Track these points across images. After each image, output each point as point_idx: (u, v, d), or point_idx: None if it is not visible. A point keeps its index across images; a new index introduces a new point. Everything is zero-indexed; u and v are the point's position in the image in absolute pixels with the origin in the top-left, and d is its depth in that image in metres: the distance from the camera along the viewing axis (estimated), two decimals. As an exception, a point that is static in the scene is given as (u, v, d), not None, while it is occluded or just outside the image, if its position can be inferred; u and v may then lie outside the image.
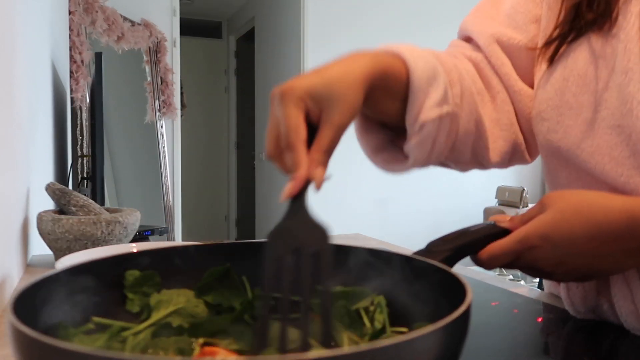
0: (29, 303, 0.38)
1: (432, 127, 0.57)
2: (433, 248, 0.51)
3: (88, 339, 0.41)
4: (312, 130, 0.49)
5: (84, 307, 0.44)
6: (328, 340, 0.40)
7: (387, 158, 0.63)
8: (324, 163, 0.48)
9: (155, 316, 0.46)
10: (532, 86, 0.65)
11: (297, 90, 0.48)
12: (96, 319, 0.44)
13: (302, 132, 0.47)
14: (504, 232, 0.54)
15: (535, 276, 0.56)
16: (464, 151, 0.64)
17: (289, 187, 0.46)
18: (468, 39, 0.70)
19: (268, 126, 0.50)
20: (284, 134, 0.48)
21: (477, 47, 0.67)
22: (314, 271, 0.42)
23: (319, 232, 0.44)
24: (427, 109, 0.57)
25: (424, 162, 0.62)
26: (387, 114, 0.58)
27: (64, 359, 0.28)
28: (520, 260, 0.53)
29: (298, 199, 0.46)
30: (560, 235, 0.51)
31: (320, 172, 0.47)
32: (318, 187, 0.47)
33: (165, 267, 0.50)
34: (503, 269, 0.59)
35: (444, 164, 0.68)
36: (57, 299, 0.42)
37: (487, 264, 0.54)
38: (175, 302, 0.47)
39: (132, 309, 0.47)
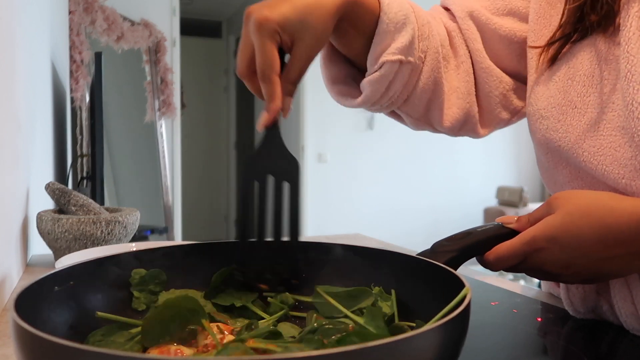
0: (32, 301, 0.38)
1: (391, 69, 0.60)
2: (438, 249, 0.51)
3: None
4: (280, 55, 0.52)
5: (89, 305, 0.44)
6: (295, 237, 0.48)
7: (342, 91, 0.66)
8: (292, 93, 0.52)
9: None
10: (501, 69, 0.68)
11: (271, 22, 0.50)
12: (100, 314, 0.44)
13: (276, 65, 0.51)
14: (511, 233, 0.54)
15: (541, 279, 0.56)
16: (418, 106, 0.67)
17: (264, 118, 0.50)
18: (446, 9, 0.72)
19: (240, 45, 0.53)
20: (259, 65, 0.51)
21: (453, 18, 0.70)
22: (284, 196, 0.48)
23: (288, 161, 0.49)
24: (390, 51, 0.60)
25: (375, 103, 0.64)
26: (351, 47, 0.62)
27: (67, 357, 0.28)
28: (527, 262, 0.53)
29: (272, 128, 0.50)
30: (568, 238, 0.50)
31: (289, 102, 0.52)
32: (285, 115, 0.52)
33: (170, 266, 0.50)
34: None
35: (395, 114, 0.70)
36: (61, 298, 0.42)
37: (494, 266, 0.53)
38: None
39: (139, 307, 0.47)
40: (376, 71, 0.60)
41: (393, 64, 0.60)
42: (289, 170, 0.49)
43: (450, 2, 0.71)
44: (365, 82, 0.62)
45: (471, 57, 0.68)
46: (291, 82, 0.52)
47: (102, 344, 0.41)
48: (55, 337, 0.29)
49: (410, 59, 0.61)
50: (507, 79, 0.68)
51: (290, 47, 0.52)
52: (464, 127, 0.70)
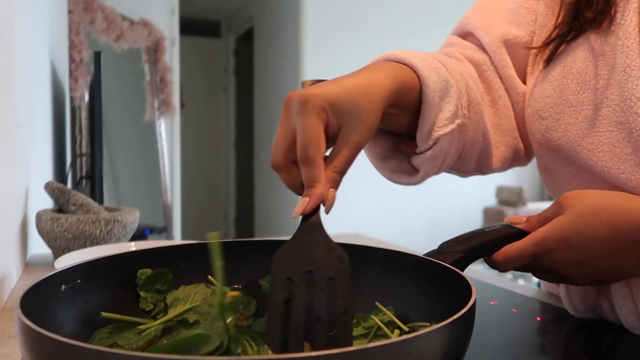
0: (39, 299, 0.38)
1: (446, 141, 0.56)
2: (445, 249, 0.50)
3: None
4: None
5: (96, 304, 0.44)
6: None
7: (394, 167, 0.61)
8: (337, 184, 0.45)
9: (172, 313, 0.46)
10: (526, 84, 0.65)
11: (319, 99, 0.44)
12: (105, 314, 0.44)
13: (322, 146, 0.44)
14: (520, 233, 0.53)
15: (551, 280, 0.55)
16: (469, 160, 0.63)
17: (303, 204, 0.43)
18: (466, 35, 0.69)
19: (278, 133, 0.46)
20: (301, 146, 0.43)
21: (478, 45, 0.67)
22: (330, 299, 0.38)
23: (335, 255, 0.40)
24: (440, 123, 0.55)
25: (433, 175, 0.61)
26: (395, 126, 0.56)
27: (73, 356, 0.28)
28: (537, 263, 0.52)
29: (311, 217, 0.43)
30: (579, 238, 0.50)
31: (333, 193, 0.44)
32: (328, 210, 0.43)
33: (176, 265, 0.50)
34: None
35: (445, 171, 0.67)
36: (67, 296, 0.42)
37: (502, 266, 0.53)
38: (193, 299, 0.47)
39: (146, 307, 0.47)
40: (432, 147, 0.56)
41: (447, 136, 0.55)
42: (331, 264, 0.39)
43: (473, 28, 0.67)
44: (421, 160, 0.57)
45: (505, 86, 0.65)
46: (336, 171, 0.44)
47: (108, 340, 0.41)
48: (61, 335, 0.29)
49: (458, 122, 0.57)
50: None
51: (337, 132, 0.45)
52: (513, 163, 0.67)
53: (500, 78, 0.65)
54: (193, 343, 0.36)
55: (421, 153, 0.57)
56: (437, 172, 0.61)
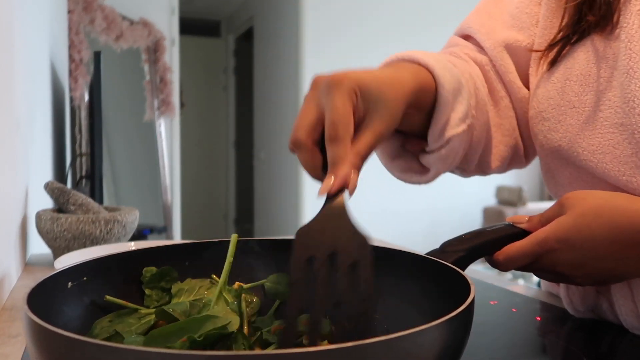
0: (44, 297, 0.38)
1: (457, 141, 0.56)
2: (447, 248, 0.50)
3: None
4: None
5: (101, 302, 0.44)
6: None
7: (403, 167, 0.61)
8: (359, 167, 0.44)
9: (175, 301, 0.46)
10: (528, 87, 0.65)
11: (351, 80, 0.44)
12: (109, 297, 0.44)
13: (351, 127, 0.43)
14: (521, 233, 0.53)
15: (552, 280, 0.55)
16: (472, 159, 0.64)
17: (328, 183, 0.41)
18: (467, 38, 0.69)
19: (302, 111, 0.45)
20: (331, 123, 0.42)
21: (480, 48, 0.67)
22: (352, 283, 0.37)
23: (359, 239, 0.39)
24: (453, 123, 0.55)
25: (443, 173, 0.61)
26: (407, 125, 0.55)
27: (80, 351, 0.28)
28: (538, 263, 0.52)
29: (335, 198, 0.41)
30: (581, 239, 0.49)
31: (356, 178, 0.43)
32: (351, 192, 0.42)
33: (181, 264, 0.50)
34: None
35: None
36: (73, 294, 0.42)
37: (504, 266, 0.53)
38: (197, 292, 0.48)
39: (150, 304, 0.47)
40: (444, 146, 0.56)
41: (459, 135, 0.56)
42: (355, 248, 0.38)
43: (475, 32, 0.67)
44: (433, 160, 0.57)
45: (507, 90, 0.65)
46: (359, 155, 0.43)
47: (110, 329, 0.42)
48: (68, 331, 0.29)
49: (469, 122, 0.57)
50: None
51: (362, 119, 0.45)
52: (512, 162, 0.67)
53: (502, 81, 0.65)
54: (199, 323, 0.36)
55: (432, 152, 0.57)
56: (446, 171, 0.61)
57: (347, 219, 0.40)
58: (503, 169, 0.67)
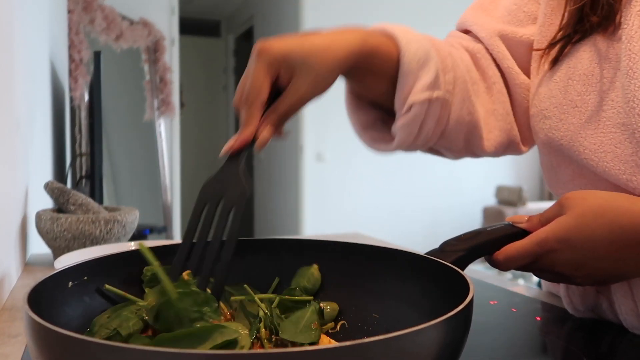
0: (45, 296, 0.39)
1: (420, 109, 0.58)
2: (447, 248, 0.51)
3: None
4: (278, 94, 0.50)
5: (101, 302, 0.45)
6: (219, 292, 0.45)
7: (374, 136, 0.64)
8: (276, 126, 0.50)
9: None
10: (528, 76, 0.66)
11: (273, 50, 0.49)
12: (108, 287, 0.45)
13: (263, 92, 0.49)
14: (521, 233, 0.53)
15: (552, 280, 0.55)
16: (455, 139, 0.65)
17: (230, 143, 0.48)
18: (466, 32, 0.70)
19: (242, 77, 0.51)
20: (244, 89, 0.49)
21: (476, 39, 0.68)
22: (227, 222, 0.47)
23: (240, 189, 0.47)
24: (416, 91, 0.57)
25: (410, 145, 0.63)
26: (376, 93, 0.59)
27: (81, 350, 0.28)
28: (538, 263, 0.52)
29: (236, 155, 0.49)
30: (582, 239, 0.49)
31: (267, 133, 0.49)
32: (259, 147, 0.49)
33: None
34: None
35: (434, 150, 0.69)
36: (73, 293, 0.42)
37: (503, 266, 0.53)
38: None
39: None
40: (405, 114, 0.58)
41: (422, 104, 0.58)
42: (235, 196, 0.47)
43: (470, 25, 0.68)
44: (396, 127, 0.60)
45: (504, 76, 0.66)
46: (278, 114, 0.50)
47: (108, 324, 0.42)
48: (69, 330, 0.29)
49: (438, 94, 0.59)
50: None
51: (288, 83, 0.51)
52: (508, 148, 0.68)
53: (499, 68, 0.66)
54: (207, 332, 0.36)
55: (397, 120, 0.59)
56: (415, 143, 0.62)
57: (238, 173, 0.48)
58: (498, 154, 0.69)
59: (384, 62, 0.56)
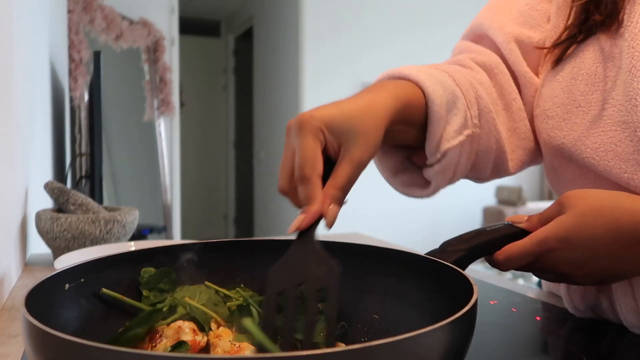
0: (42, 299, 0.38)
1: (454, 153, 0.57)
2: (447, 248, 0.50)
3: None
4: (330, 164, 0.47)
5: (98, 304, 0.45)
6: None
7: (406, 181, 0.63)
8: (339, 200, 0.46)
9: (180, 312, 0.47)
10: None
11: (315, 120, 0.46)
12: (106, 290, 0.45)
13: (318, 164, 0.45)
14: (521, 233, 0.53)
15: (552, 280, 0.55)
16: (484, 168, 0.64)
17: (298, 220, 0.44)
18: (479, 38, 0.69)
19: (282, 158, 0.47)
20: (298, 166, 0.45)
21: (491, 48, 0.67)
22: (317, 308, 0.40)
23: (326, 267, 0.42)
24: (448, 136, 0.56)
25: (446, 186, 0.62)
26: (404, 141, 0.57)
27: (77, 354, 0.28)
28: (539, 263, 0.52)
29: (306, 233, 0.44)
30: (582, 238, 0.49)
31: (334, 210, 0.45)
32: (329, 225, 0.45)
33: (178, 264, 0.50)
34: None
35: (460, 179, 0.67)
36: (70, 295, 0.42)
37: (503, 265, 0.53)
38: (199, 298, 0.48)
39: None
40: (440, 160, 0.57)
41: (455, 148, 0.57)
42: (322, 276, 0.41)
43: (487, 28, 0.67)
44: (432, 173, 0.59)
45: (519, 86, 0.65)
46: (338, 188, 0.45)
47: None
48: (66, 334, 0.29)
49: (468, 132, 0.58)
50: None
51: (337, 152, 0.47)
52: (530, 165, 0.68)
53: (515, 76, 0.65)
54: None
55: (431, 166, 0.58)
56: (449, 183, 0.62)
57: (315, 250, 0.43)
58: (521, 170, 0.68)
59: (415, 111, 0.55)
